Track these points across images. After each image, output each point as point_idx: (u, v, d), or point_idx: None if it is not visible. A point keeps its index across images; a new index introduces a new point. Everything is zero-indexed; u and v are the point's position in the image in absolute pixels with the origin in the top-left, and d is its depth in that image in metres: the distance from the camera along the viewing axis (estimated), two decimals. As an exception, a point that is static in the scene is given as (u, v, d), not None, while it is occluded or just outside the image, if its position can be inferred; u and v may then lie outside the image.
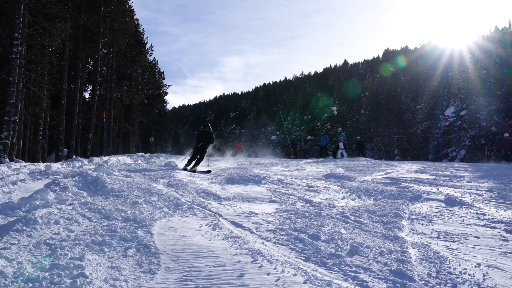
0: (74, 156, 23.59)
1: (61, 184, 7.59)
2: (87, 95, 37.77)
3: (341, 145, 26.78)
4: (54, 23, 19.82)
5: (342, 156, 25.89)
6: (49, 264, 3.67)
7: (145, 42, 46.37)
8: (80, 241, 4.37)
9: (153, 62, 51.47)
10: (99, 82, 33.50)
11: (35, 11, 19.44)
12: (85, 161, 14.09)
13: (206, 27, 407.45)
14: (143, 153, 24.76)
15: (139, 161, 17.10)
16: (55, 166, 12.03)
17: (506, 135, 25.49)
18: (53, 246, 4.13)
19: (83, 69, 31.06)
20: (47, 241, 4.28)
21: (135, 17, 40.30)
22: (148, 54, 47.69)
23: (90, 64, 34.81)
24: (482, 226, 5.60)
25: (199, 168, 14.11)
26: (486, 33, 62.16)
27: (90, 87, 35.85)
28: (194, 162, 14.10)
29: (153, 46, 48.14)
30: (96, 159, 15.54)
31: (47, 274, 3.42)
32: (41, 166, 11.94)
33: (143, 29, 45.51)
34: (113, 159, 16.44)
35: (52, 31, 19.61)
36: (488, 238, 5.05)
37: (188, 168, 13.69)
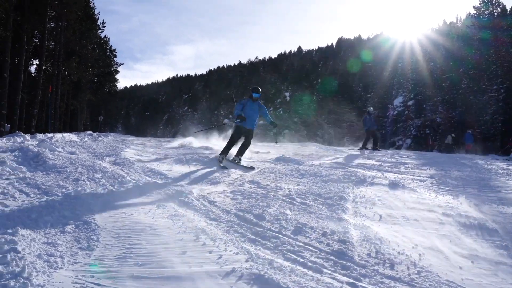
0: (17, 132, 22.56)
1: (-2, 158, 7.23)
2: (33, 69, 36.10)
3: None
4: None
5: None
6: (-21, 239, 3.48)
7: (97, 17, 44.57)
8: (15, 216, 4.18)
9: (105, 39, 49.82)
10: (46, 57, 32.03)
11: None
12: (28, 136, 13.48)
13: (158, 8, 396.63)
14: (91, 132, 24.02)
15: (86, 139, 16.56)
16: (-6, 141, 11.44)
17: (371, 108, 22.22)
18: (-15, 221, 3.92)
19: (28, 42, 29.50)
20: (-21, 216, 4.07)
21: (85, -10, 38.64)
22: (100, 31, 46.00)
23: (37, 38, 33.20)
24: (422, 210, 5.78)
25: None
26: (435, 27, 64.16)
27: (37, 62, 34.23)
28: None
29: (104, 22, 46.17)
30: (40, 136, 14.91)
31: (-25, 249, 3.25)
32: (-21, 140, 11.34)
33: (94, 3, 43.66)
34: (58, 135, 15.82)
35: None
36: (426, 221, 5.22)
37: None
